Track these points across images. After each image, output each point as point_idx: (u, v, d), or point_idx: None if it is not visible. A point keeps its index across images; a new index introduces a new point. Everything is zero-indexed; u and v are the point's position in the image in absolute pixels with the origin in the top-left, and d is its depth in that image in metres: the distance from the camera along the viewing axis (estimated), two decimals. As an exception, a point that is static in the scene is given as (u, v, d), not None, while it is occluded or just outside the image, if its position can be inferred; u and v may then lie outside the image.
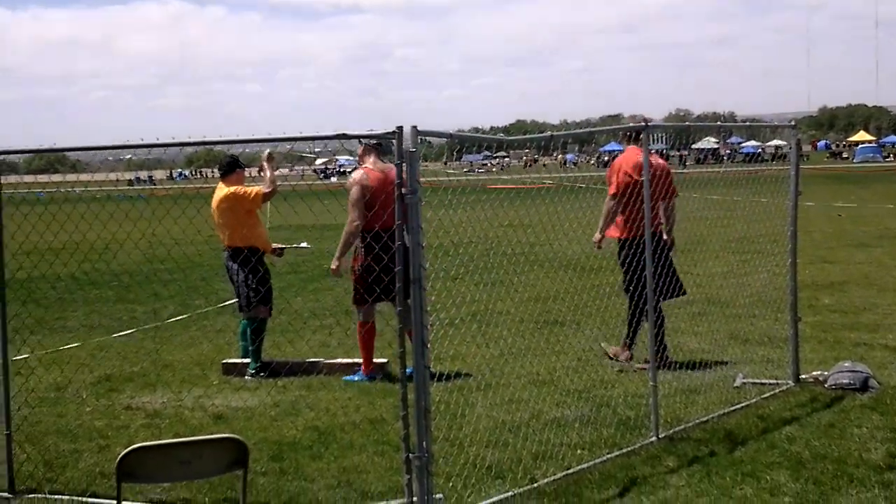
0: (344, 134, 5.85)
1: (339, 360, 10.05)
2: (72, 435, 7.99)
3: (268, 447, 7.46)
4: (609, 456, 6.97)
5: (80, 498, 6.43)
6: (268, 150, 9.96)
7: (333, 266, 9.68)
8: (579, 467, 6.72)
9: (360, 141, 9.62)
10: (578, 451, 7.08)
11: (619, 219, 9.99)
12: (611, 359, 10.01)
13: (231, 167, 10.12)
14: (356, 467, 6.91)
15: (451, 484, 6.29)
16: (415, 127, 5.69)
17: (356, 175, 9.59)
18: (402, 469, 5.89)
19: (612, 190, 10.04)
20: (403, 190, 5.68)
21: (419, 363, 5.73)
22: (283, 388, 9.35)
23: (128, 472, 4.24)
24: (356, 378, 9.59)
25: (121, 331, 13.03)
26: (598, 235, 10.19)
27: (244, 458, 4.33)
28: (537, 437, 7.37)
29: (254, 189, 9.88)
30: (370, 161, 9.62)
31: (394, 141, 5.71)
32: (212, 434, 7.80)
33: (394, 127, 5.70)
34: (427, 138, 6.15)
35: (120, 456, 4.19)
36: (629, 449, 7.11)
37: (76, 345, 11.95)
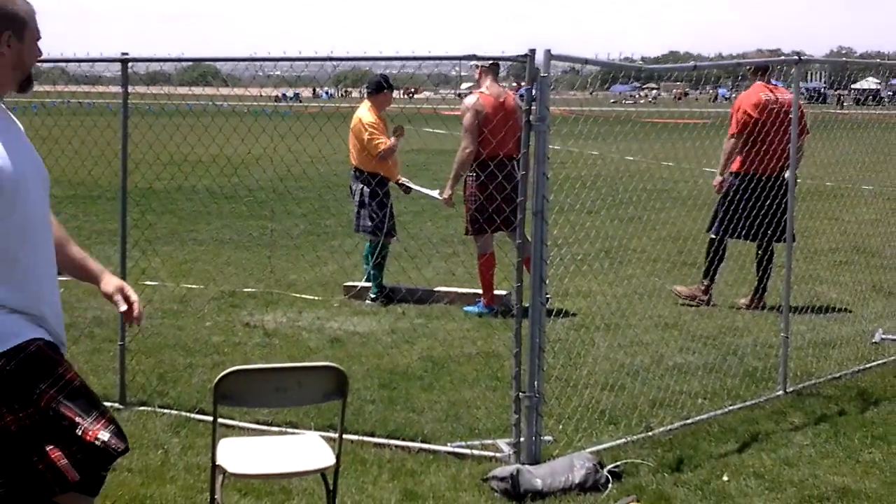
0: (473, 55, 5.58)
1: (459, 290, 9.85)
2: (188, 349, 8.01)
3: (379, 374, 7.34)
4: (731, 408, 6.62)
5: (188, 413, 6.41)
6: (400, 127, 9.85)
7: (445, 195, 9.47)
8: (698, 418, 6.40)
9: (475, 64, 9.30)
10: (699, 401, 6.73)
11: (738, 158, 9.52)
12: (685, 299, 9.61)
13: (379, 87, 9.87)
14: (466, 402, 6.72)
15: (561, 426, 6.06)
16: (548, 51, 5.39)
17: (469, 100, 9.30)
18: (511, 407, 5.67)
19: (732, 129, 9.55)
20: (532, 117, 5.38)
21: (535, 299, 5.48)
22: (402, 315, 9.22)
23: (224, 394, 4.11)
24: (476, 309, 9.39)
25: (250, 245, 13.13)
26: (718, 178, 9.74)
27: (343, 389, 4.16)
28: (657, 382, 7.07)
29: (378, 141, 9.66)
30: (486, 84, 9.31)
31: (525, 64, 5.42)
32: (325, 358, 7.77)
33: (526, 49, 5.41)
34: (575, 66, 5.82)
35: (217, 378, 4.06)
36: (753, 402, 6.74)
37: (204, 258, 12.07)
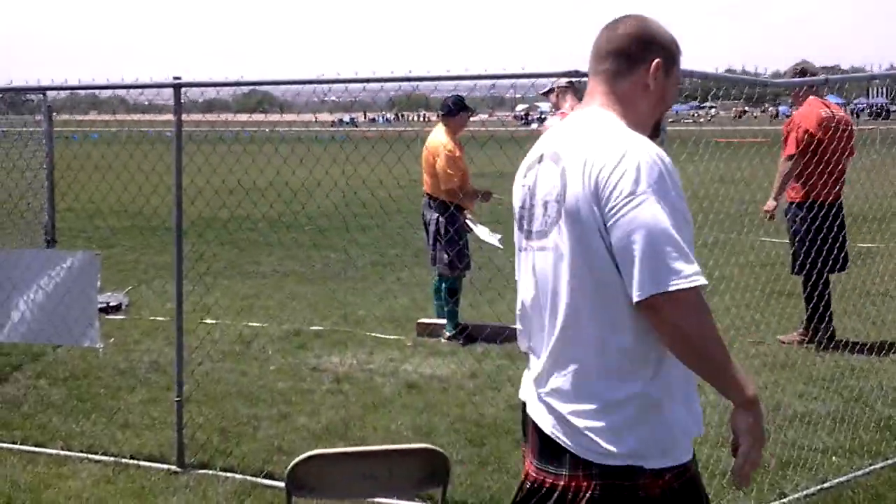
0: (576, 71, 4.83)
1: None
2: (252, 398, 7.31)
3: (465, 428, 6.58)
4: (873, 467, 5.76)
5: (253, 478, 5.69)
6: (489, 192, 9.33)
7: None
8: (836, 480, 5.55)
9: (558, 83, 8.54)
10: (833, 458, 5.89)
11: (795, 182, 8.60)
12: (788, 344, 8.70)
13: (455, 108, 9.14)
14: (566, 461, 5.94)
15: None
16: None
17: (549, 123, 8.54)
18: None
19: (788, 150, 8.56)
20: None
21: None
22: (482, 356, 8.46)
23: (300, 483, 3.40)
24: None
25: (314, 278, 12.46)
26: (771, 203, 8.78)
27: (443, 475, 3.42)
28: (780, 436, 6.23)
29: (451, 171, 8.93)
30: (567, 104, 8.52)
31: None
32: (402, 407, 7.04)
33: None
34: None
35: (291, 465, 3.34)
36: (896, 460, 5.89)
37: (266, 293, 11.42)
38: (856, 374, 7.68)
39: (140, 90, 6.21)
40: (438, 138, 9.06)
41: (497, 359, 8.35)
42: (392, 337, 9.22)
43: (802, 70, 8.76)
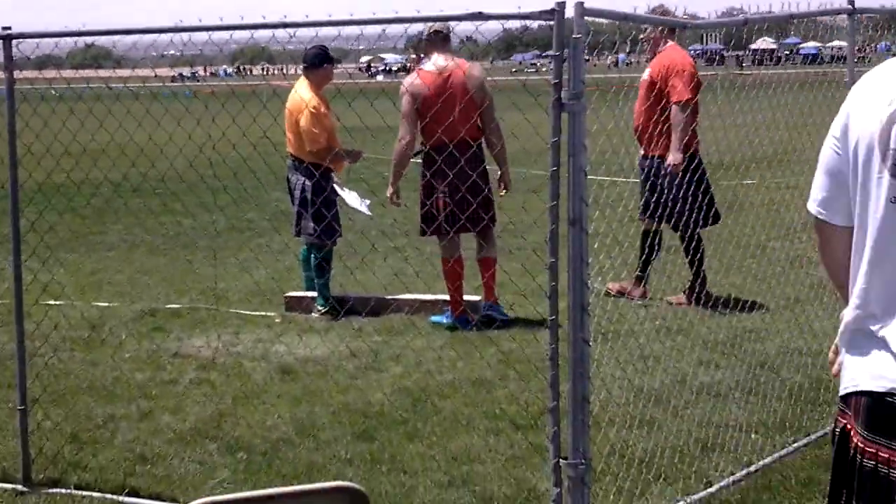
0: (479, 13, 4.18)
1: (421, 297, 8.46)
2: (107, 393, 6.51)
3: (350, 419, 5.94)
4: (795, 445, 5.39)
5: (114, 496, 4.94)
6: (359, 152, 8.70)
7: (389, 192, 8.10)
8: (761, 463, 5.15)
9: (424, 34, 7.89)
10: (753, 436, 5.49)
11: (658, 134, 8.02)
12: (616, 296, 8.36)
13: (318, 60, 8.36)
14: (468, 453, 5.38)
15: (602, 489, 4.75)
16: (580, 3, 4.03)
17: (405, 82, 7.91)
18: (549, 478, 4.33)
19: (679, 95, 7.98)
20: (563, 93, 4.03)
21: (576, 336, 4.14)
22: (359, 333, 7.81)
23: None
24: (444, 320, 8.04)
25: (166, 248, 11.57)
26: (679, 156, 8.02)
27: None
28: (691, 413, 5.80)
29: (316, 131, 8.22)
30: (431, 59, 7.88)
31: (550, 24, 4.08)
32: (277, 395, 6.35)
33: (551, 4, 4.05)
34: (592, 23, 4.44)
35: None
36: (821, 434, 5.50)
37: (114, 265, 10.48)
38: (753, 336, 7.35)
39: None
40: (301, 94, 8.29)
41: (375, 334, 7.73)
42: (258, 313, 8.50)
43: (664, 11, 8.36)
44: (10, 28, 4.98)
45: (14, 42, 5.04)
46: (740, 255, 9.36)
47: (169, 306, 8.77)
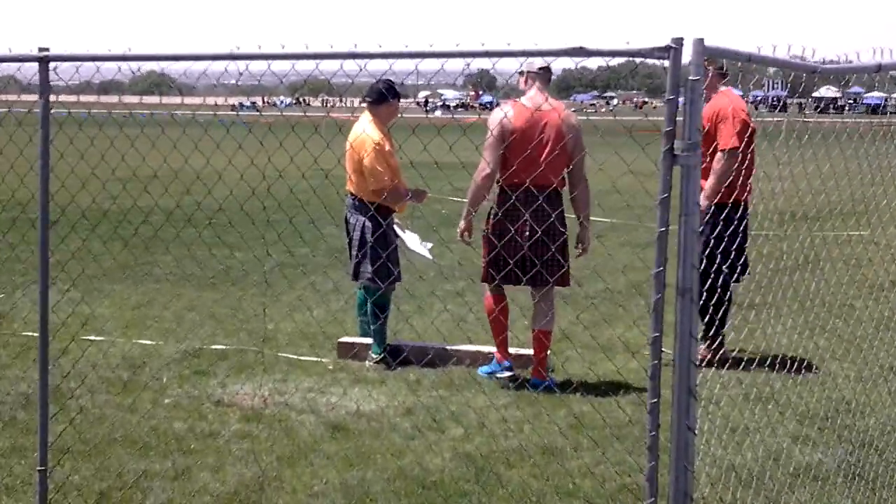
0: (581, 49, 3.62)
1: (484, 349, 7.84)
2: (142, 445, 5.98)
3: (407, 488, 5.35)
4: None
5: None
6: (423, 192, 8.02)
7: (460, 228, 7.50)
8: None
9: (526, 70, 7.31)
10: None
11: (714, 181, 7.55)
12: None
13: (382, 96, 7.85)
14: (539, 538, 4.78)
15: None
16: (700, 41, 3.47)
17: (496, 112, 7.34)
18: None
19: (726, 142, 7.50)
20: (676, 143, 3.46)
21: (681, 423, 3.54)
22: (416, 385, 7.25)
23: None
24: (488, 370, 7.46)
25: (216, 282, 11.08)
26: (704, 203, 7.37)
27: None
28: (787, 497, 5.15)
29: (383, 174, 7.69)
30: (528, 95, 7.34)
31: (664, 62, 3.51)
32: (326, 456, 5.79)
33: (667, 40, 3.49)
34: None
35: None
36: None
37: (160, 301, 10.01)
38: (851, 409, 6.66)
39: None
40: (365, 130, 7.78)
41: (433, 388, 7.15)
42: (308, 359, 7.95)
43: (708, 59, 7.78)
44: (47, 49, 4.50)
45: (53, 65, 4.56)
46: (824, 313, 8.70)
47: (215, 347, 8.25)
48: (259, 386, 7.15)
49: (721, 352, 7.55)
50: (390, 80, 7.84)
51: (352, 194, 7.96)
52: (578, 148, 7.18)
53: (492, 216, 7.24)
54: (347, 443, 6.05)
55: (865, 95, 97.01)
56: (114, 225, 14.42)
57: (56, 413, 6.14)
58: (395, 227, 8.06)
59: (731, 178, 7.49)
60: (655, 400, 3.57)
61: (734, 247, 6.86)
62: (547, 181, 7.05)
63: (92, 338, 8.27)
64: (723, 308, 7.43)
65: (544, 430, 6.21)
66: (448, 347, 7.81)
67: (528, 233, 6.98)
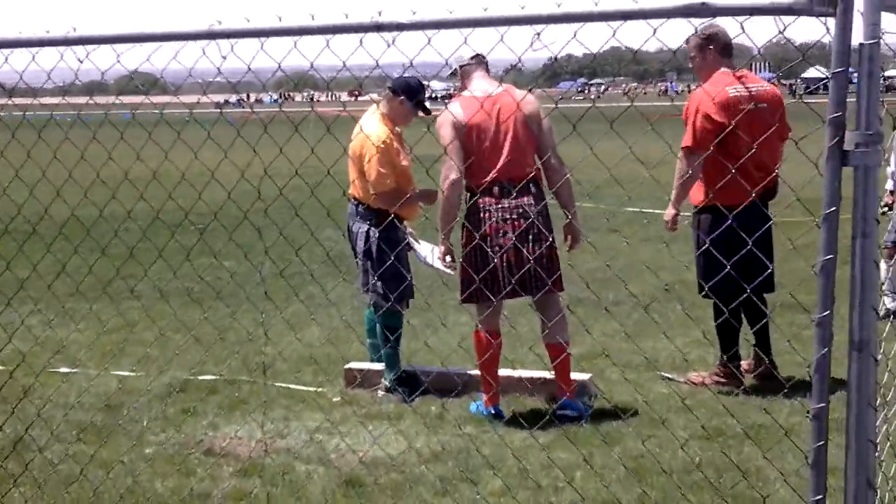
0: (703, 4, 2.60)
1: (518, 372, 6.83)
2: (118, 514, 4.96)
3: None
4: None
5: None
6: (434, 192, 6.77)
7: (440, 252, 6.52)
8: None
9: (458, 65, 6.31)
10: None
11: (699, 181, 6.64)
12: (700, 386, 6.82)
13: (408, 90, 6.80)
14: None
15: None
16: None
17: (442, 114, 6.29)
18: None
19: (686, 141, 6.52)
20: (848, 135, 2.46)
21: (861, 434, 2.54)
22: (439, 421, 6.23)
23: None
24: (475, 408, 6.46)
25: (203, 297, 10.04)
26: (670, 211, 6.72)
27: None
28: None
29: (386, 176, 6.70)
30: (471, 83, 6.32)
31: (825, 23, 2.53)
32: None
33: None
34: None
35: None
36: None
37: (138, 324, 8.95)
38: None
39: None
40: (370, 128, 6.73)
41: (459, 424, 6.11)
42: (312, 389, 6.93)
43: (709, 36, 6.61)
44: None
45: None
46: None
47: (203, 377, 7.23)
48: (256, 426, 6.12)
49: (742, 366, 6.87)
50: (418, 79, 6.82)
51: (354, 199, 6.94)
52: (546, 129, 6.19)
53: (465, 225, 6.20)
54: (365, 500, 5.03)
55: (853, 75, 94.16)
56: (90, 235, 13.31)
57: (20, 475, 5.15)
58: (409, 237, 7.05)
59: (696, 180, 6.55)
60: (820, 497, 2.57)
61: (743, 257, 5.56)
62: (520, 172, 6.07)
63: (63, 370, 7.25)
64: (730, 324, 6.57)
65: (599, 478, 5.19)
66: (472, 373, 6.78)
67: (510, 233, 5.97)
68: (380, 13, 3.04)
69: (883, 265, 8.21)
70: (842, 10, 2.43)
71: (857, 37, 2.47)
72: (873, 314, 2.46)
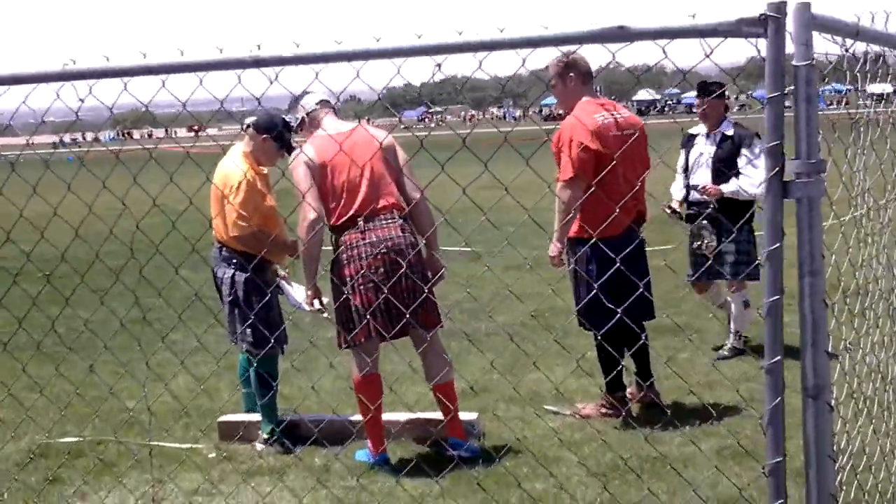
0: (622, 28, 2.42)
1: (404, 415, 6.57)
2: None
3: None
4: None
5: None
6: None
7: (308, 297, 6.24)
8: None
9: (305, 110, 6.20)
10: None
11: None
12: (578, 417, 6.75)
13: (272, 127, 6.49)
14: None
15: None
16: (806, 3, 2.36)
17: (296, 158, 6.04)
18: None
19: (564, 174, 6.37)
20: (791, 165, 2.32)
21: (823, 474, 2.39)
22: (326, 473, 5.92)
23: None
24: (363, 457, 6.17)
25: (57, 350, 9.46)
26: (555, 247, 6.53)
27: None
28: None
29: (247, 218, 6.35)
30: (324, 126, 6.16)
31: (755, 44, 2.39)
32: None
33: (761, 10, 2.36)
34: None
35: None
36: None
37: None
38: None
39: None
40: (231, 167, 6.40)
41: (348, 474, 5.82)
42: (186, 446, 6.53)
43: (568, 63, 6.54)
44: None
45: None
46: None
47: (65, 440, 6.75)
48: (128, 493, 5.70)
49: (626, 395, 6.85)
50: (287, 119, 6.54)
51: (218, 242, 6.59)
52: (402, 160, 6.11)
53: (333, 265, 5.97)
54: (256, 570, 4.70)
55: (684, 96, 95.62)
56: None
57: None
58: (281, 281, 6.73)
59: (578, 212, 6.31)
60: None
61: (623, 286, 5.41)
62: (383, 203, 5.93)
63: None
64: (612, 355, 6.36)
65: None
66: (354, 418, 6.49)
67: (381, 268, 5.77)
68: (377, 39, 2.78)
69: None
70: (773, 30, 2.30)
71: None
72: (825, 357, 2.32)
